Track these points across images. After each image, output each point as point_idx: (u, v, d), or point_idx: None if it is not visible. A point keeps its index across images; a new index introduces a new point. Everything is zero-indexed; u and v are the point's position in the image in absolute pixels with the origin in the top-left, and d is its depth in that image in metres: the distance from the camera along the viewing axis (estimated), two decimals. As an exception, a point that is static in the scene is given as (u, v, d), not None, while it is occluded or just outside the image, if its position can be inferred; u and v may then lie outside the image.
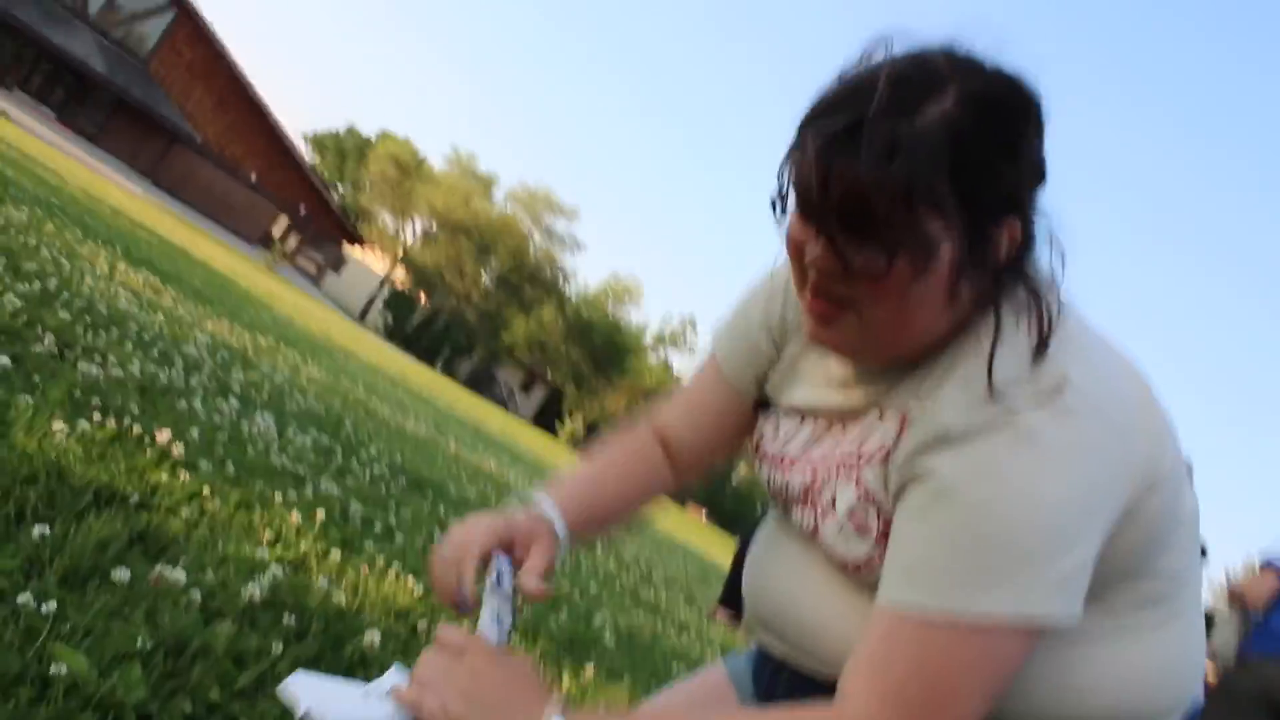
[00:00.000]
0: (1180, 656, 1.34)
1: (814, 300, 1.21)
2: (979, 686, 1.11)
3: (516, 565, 1.31)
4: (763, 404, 1.57)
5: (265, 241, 40.18)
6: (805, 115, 1.18)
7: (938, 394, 1.19)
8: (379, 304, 58.73)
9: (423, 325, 57.78)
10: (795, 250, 1.22)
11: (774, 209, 1.23)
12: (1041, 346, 1.15)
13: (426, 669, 1.16)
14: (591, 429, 57.79)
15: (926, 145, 1.08)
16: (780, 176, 1.21)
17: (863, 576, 1.28)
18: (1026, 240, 1.20)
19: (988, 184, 1.13)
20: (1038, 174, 1.19)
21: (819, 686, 1.34)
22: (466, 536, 1.30)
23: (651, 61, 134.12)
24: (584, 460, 1.60)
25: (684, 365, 66.48)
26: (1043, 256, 1.23)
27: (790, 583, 1.43)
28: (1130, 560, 1.22)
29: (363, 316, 54.66)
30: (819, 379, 1.44)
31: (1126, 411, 1.15)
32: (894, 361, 1.27)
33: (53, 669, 1.31)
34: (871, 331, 1.19)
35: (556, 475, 1.54)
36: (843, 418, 1.37)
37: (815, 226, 1.15)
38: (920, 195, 1.08)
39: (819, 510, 1.35)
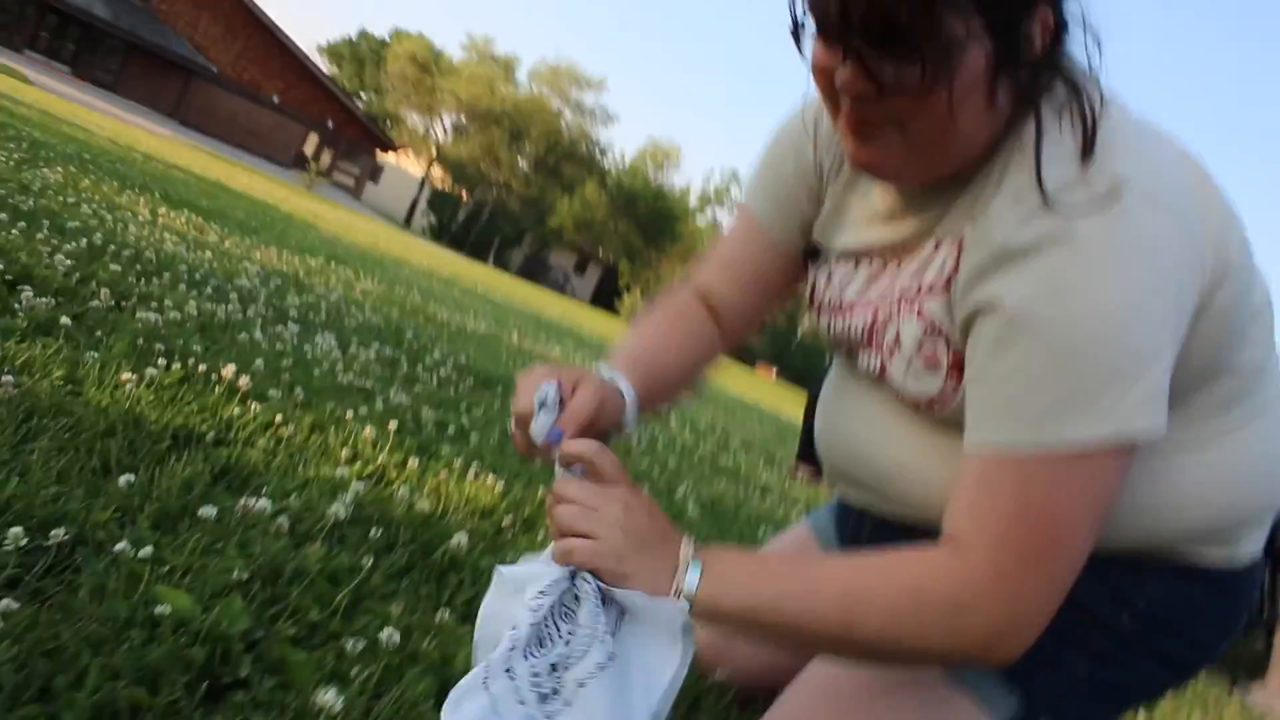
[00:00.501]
0: (1266, 455, 1.33)
1: (851, 122, 1.19)
2: (1086, 514, 1.11)
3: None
4: (811, 254, 1.55)
5: (299, 162, 40.23)
6: None
7: (989, 211, 1.17)
8: (421, 206, 58.78)
9: (468, 221, 57.84)
10: (824, 78, 1.19)
11: (794, 39, 1.20)
12: (1089, 145, 1.12)
13: (578, 518, 1.20)
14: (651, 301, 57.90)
15: None
16: (792, 3, 1.18)
17: (936, 413, 1.28)
18: (1059, 29, 1.18)
19: None
20: None
21: (902, 531, 1.35)
22: (521, 385, 1.32)
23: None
24: (632, 330, 1.59)
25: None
26: (1078, 46, 1.20)
27: (862, 428, 1.44)
28: (1208, 359, 1.20)
29: (407, 222, 54.84)
30: (866, 216, 1.42)
31: (1186, 203, 1.12)
32: (941, 177, 1.24)
33: (158, 610, 1.36)
34: (916, 144, 1.17)
35: (611, 349, 1.54)
36: (896, 252, 1.36)
37: (840, 48, 1.12)
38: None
39: (884, 349, 1.34)
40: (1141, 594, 1.32)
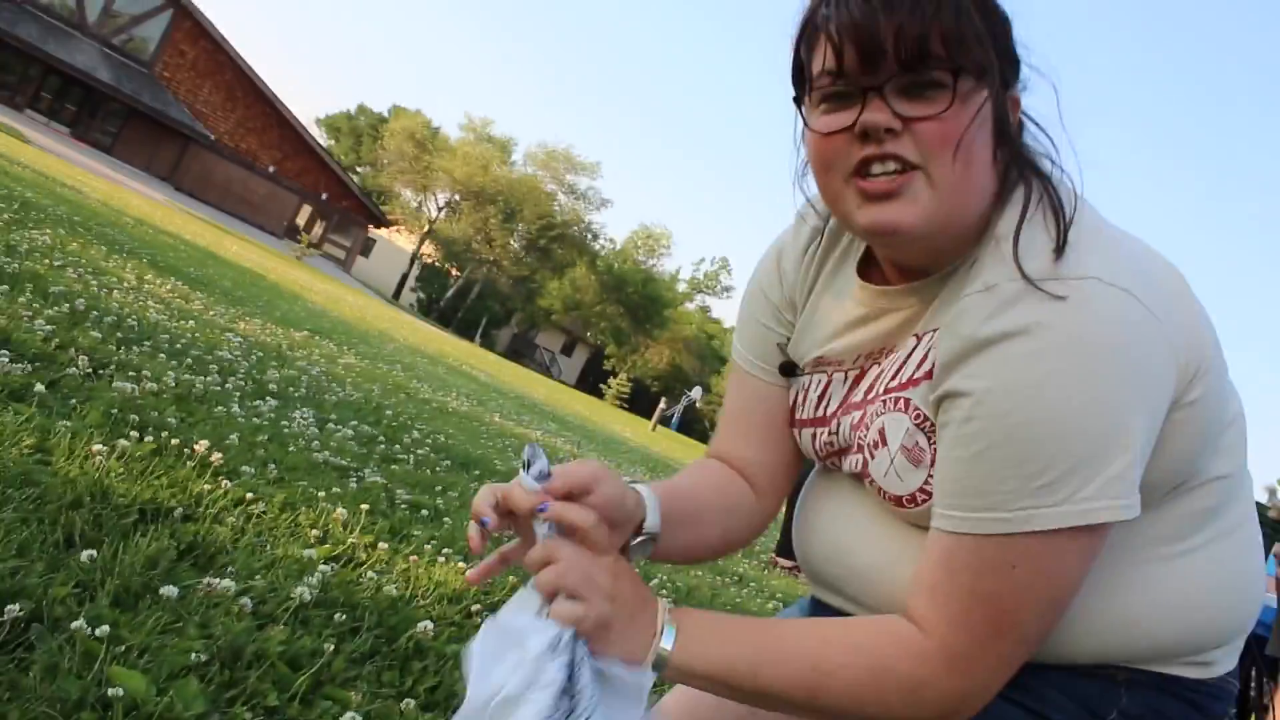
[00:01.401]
0: (1239, 573, 1.32)
1: (873, 182, 1.18)
2: (1044, 598, 1.11)
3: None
4: (787, 371, 1.55)
5: (291, 232, 40.41)
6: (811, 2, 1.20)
7: (960, 302, 1.18)
8: (411, 282, 58.97)
9: (457, 298, 58.02)
10: (832, 142, 1.20)
11: (799, 105, 1.23)
12: (1062, 240, 1.14)
13: (569, 577, 1.16)
14: (636, 386, 57.91)
15: None
16: (799, 70, 1.21)
17: (917, 509, 1.27)
18: (1021, 125, 1.23)
19: (1004, 33, 1.18)
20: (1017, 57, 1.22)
21: None
22: (481, 492, 1.28)
23: (654, 11, 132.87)
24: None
25: (721, 309, 66.37)
26: (1040, 149, 1.25)
27: (840, 532, 1.43)
28: (1184, 463, 1.20)
29: (396, 296, 54.98)
30: (843, 324, 1.43)
31: (1160, 299, 1.12)
32: (946, 244, 1.23)
33: (111, 691, 1.33)
34: (942, 190, 1.16)
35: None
36: (875, 355, 1.36)
37: (864, 84, 1.15)
38: (969, 25, 1.12)
39: (867, 448, 1.34)
40: (1113, 707, 1.30)
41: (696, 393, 38.29)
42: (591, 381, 61.02)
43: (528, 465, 1.24)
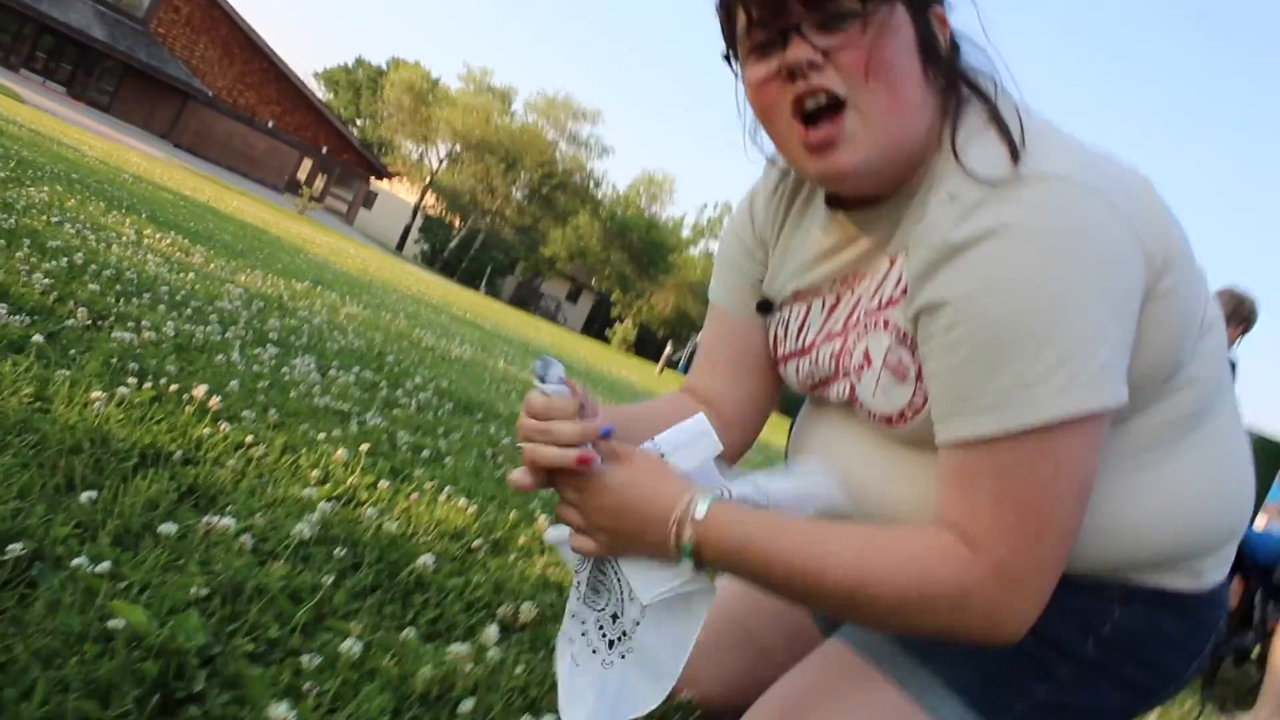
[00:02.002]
0: (1226, 477, 1.34)
1: (812, 131, 1.22)
2: (1067, 488, 1.13)
3: None
4: (764, 308, 1.57)
5: (292, 187, 40.28)
6: None
7: (926, 214, 1.20)
8: (414, 233, 58.84)
9: (460, 249, 57.90)
10: (767, 88, 1.24)
11: (729, 62, 1.26)
12: (1016, 145, 1.16)
13: (573, 518, 1.30)
14: (643, 331, 57.90)
15: None
16: (724, 27, 1.24)
17: (907, 427, 1.29)
18: (954, 44, 1.28)
19: None
20: None
21: None
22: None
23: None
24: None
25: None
26: (981, 66, 1.29)
27: (835, 461, 1.45)
28: (1162, 360, 1.22)
29: (399, 248, 54.89)
30: (814, 256, 1.45)
31: (1120, 193, 1.15)
32: (895, 171, 1.27)
33: (112, 624, 1.35)
34: (873, 121, 1.20)
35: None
36: (849, 280, 1.39)
37: (774, 31, 1.20)
38: None
39: (853, 372, 1.36)
40: (1106, 621, 1.33)
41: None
42: (598, 328, 61.02)
43: (543, 378, 1.29)
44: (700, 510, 1.21)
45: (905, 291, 1.26)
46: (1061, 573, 1.16)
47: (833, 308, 1.42)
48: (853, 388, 1.37)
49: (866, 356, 1.33)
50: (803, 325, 1.48)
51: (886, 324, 1.30)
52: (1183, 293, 1.21)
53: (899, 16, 1.18)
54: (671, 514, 1.22)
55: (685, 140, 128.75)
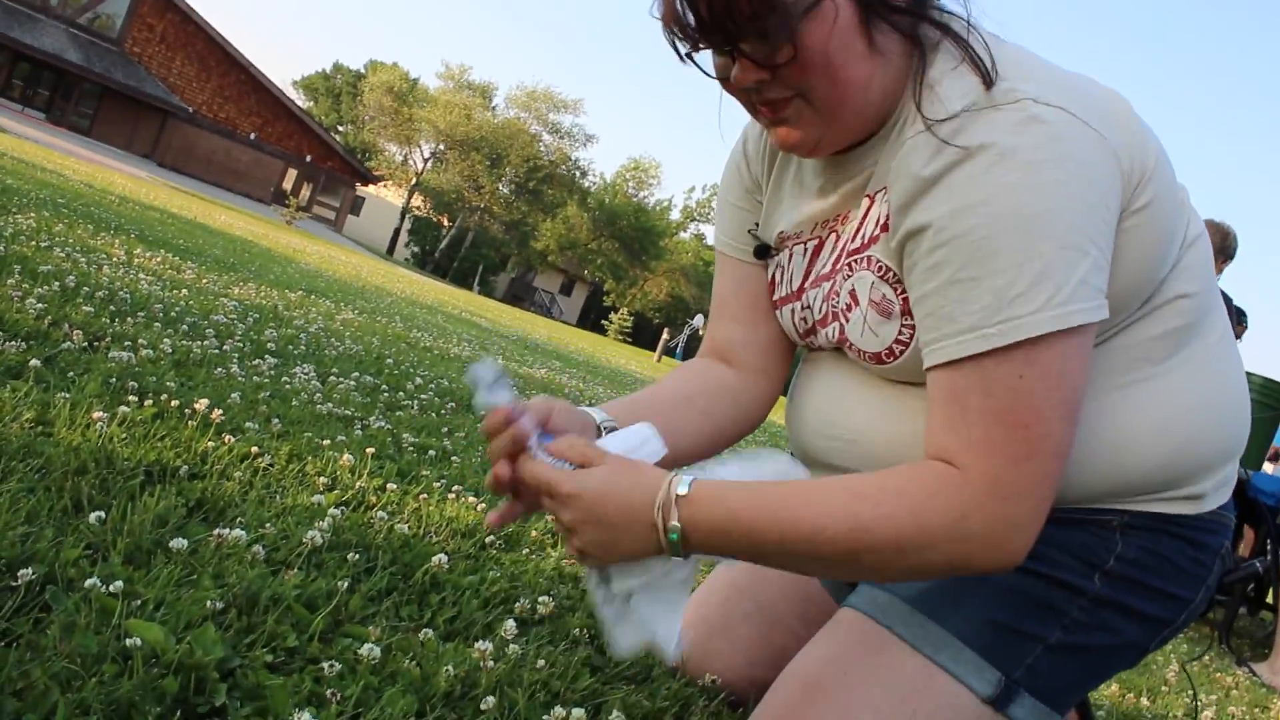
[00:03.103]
0: (1219, 392, 1.35)
1: (765, 110, 1.25)
2: (1057, 401, 1.13)
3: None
4: (761, 252, 1.57)
5: (278, 198, 40.23)
6: None
7: (903, 147, 1.21)
8: (404, 236, 58.80)
9: (451, 248, 57.91)
10: (727, 84, 1.28)
11: (687, 61, 1.28)
12: (988, 72, 1.18)
13: (559, 525, 1.26)
14: (639, 319, 57.91)
15: None
16: (669, 36, 1.26)
17: (896, 363, 1.30)
18: None
19: None
20: None
21: None
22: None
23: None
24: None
25: (716, 234, 66.08)
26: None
27: (827, 405, 1.46)
28: (1144, 274, 1.24)
29: (390, 252, 54.86)
30: (799, 199, 1.47)
31: (1095, 111, 1.17)
32: (857, 132, 1.30)
33: (129, 642, 1.34)
34: (823, 108, 1.23)
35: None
36: (832, 223, 1.40)
37: (716, 49, 1.23)
38: None
39: (841, 313, 1.36)
40: (1110, 554, 1.32)
41: (699, 320, 38.37)
42: (593, 319, 61.10)
43: (480, 385, 1.29)
44: (682, 487, 1.20)
45: (886, 228, 1.28)
46: (1056, 491, 1.16)
47: (818, 250, 1.44)
48: (842, 328, 1.38)
49: (853, 295, 1.34)
50: (791, 268, 1.49)
51: (869, 261, 1.31)
52: (1162, 207, 1.22)
53: (831, 8, 1.17)
54: (655, 498, 1.21)
55: (669, 122, 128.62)
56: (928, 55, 1.24)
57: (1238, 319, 5.72)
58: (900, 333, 1.27)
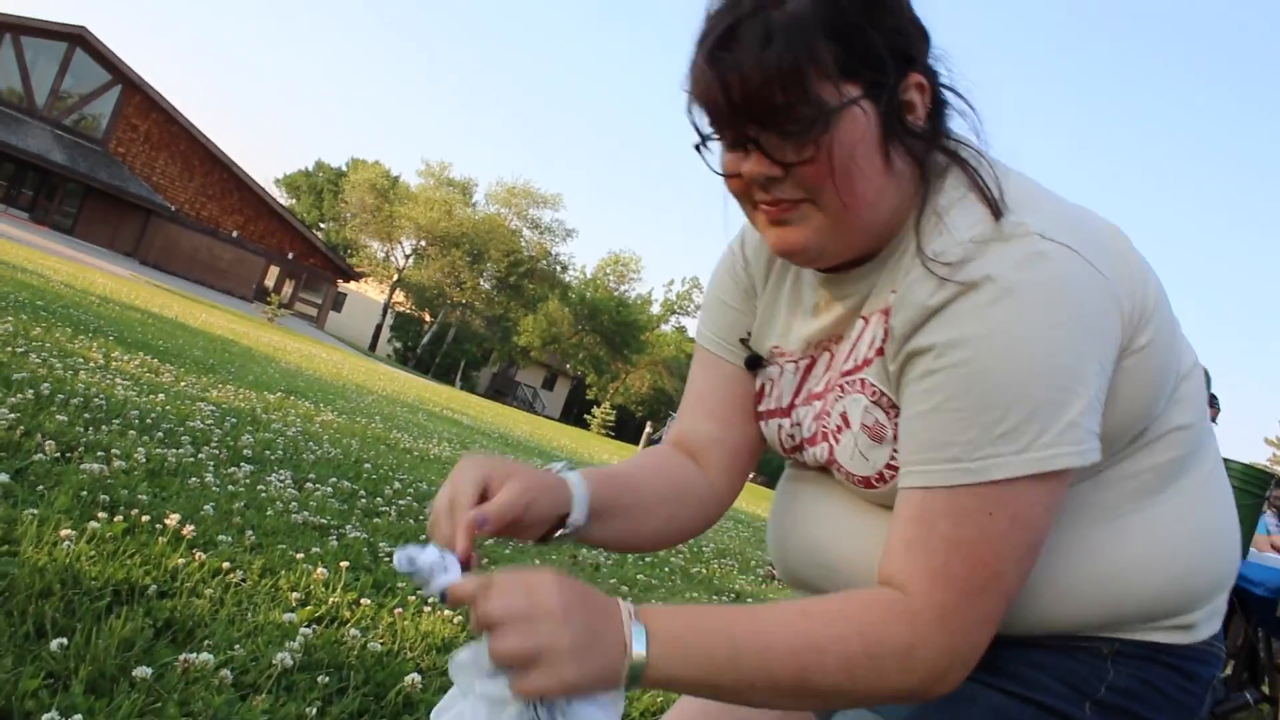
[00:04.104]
0: (1212, 524, 1.33)
1: (769, 209, 1.23)
2: (1019, 545, 1.12)
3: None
4: (752, 363, 1.56)
5: (261, 295, 40.30)
6: (693, 48, 1.21)
7: (909, 274, 1.20)
8: (385, 332, 58.88)
9: (433, 343, 57.96)
10: (734, 180, 1.25)
11: (699, 152, 1.26)
12: (997, 204, 1.17)
13: (514, 642, 1.03)
14: (621, 412, 57.89)
15: (798, 20, 1.12)
16: (691, 115, 1.24)
17: (886, 488, 1.28)
18: (938, 103, 1.25)
19: (870, 40, 1.16)
20: (920, 31, 1.23)
21: None
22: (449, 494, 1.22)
23: (601, 38, 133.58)
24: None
25: (697, 326, 66.45)
26: (965, 118, 1.27)
27: (813, 528, 1.43)
28: (1139, 411, 1.22)
29: (372, 348, 54.85)
30: (795, 316, 1.45)
31: (1099, 250, 1.16)
32: (859, 257, 1.28)
33: (88, 784, 1.30)
34: (831, 216, 1.21)
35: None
36: (827, 343, 1.39)
37: (735, 139, 1.19)
38: (809, 66, 1.12)
39: (831, 435, 1.34)
40: (1101, 683, 1.30)
41: (681, 414, 38.24)
42: (576, 413, 61.05)
43: (424, 574, 1.11)
44: (629, 604, 1.15)
45: (881, 351, 1.26)
46: (996, 630, 1.14)
47: (809, 368, 1.42)
48: (831, 449, 1.36)
49: (844, 418, 1.32)
50: (782, 384, 1.47)
51: (863, 384, 1.30)
52: (1160, 345, 1.22)
53: (862, 116, 1.17)
54: (620, 605, 1.14)
55: (646, 215, 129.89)
56: (935, 182, 1.25)
57: (1211, 402, 5.75)
58: (891, 457, 1.26)
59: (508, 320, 60.07)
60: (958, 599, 1.12)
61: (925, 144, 1.24)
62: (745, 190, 1.25)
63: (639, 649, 1.12)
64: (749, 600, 5.25)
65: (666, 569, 5.35)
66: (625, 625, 1.13)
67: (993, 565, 1.12)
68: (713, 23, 1.17)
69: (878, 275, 1.30)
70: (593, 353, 60.96)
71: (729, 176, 1.26)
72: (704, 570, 5.85)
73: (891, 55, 1.18)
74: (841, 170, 1.17)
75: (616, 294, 63.66)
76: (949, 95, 1.27)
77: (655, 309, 67.15)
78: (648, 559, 5.39)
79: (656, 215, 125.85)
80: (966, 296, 1.13)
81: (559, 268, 62.98)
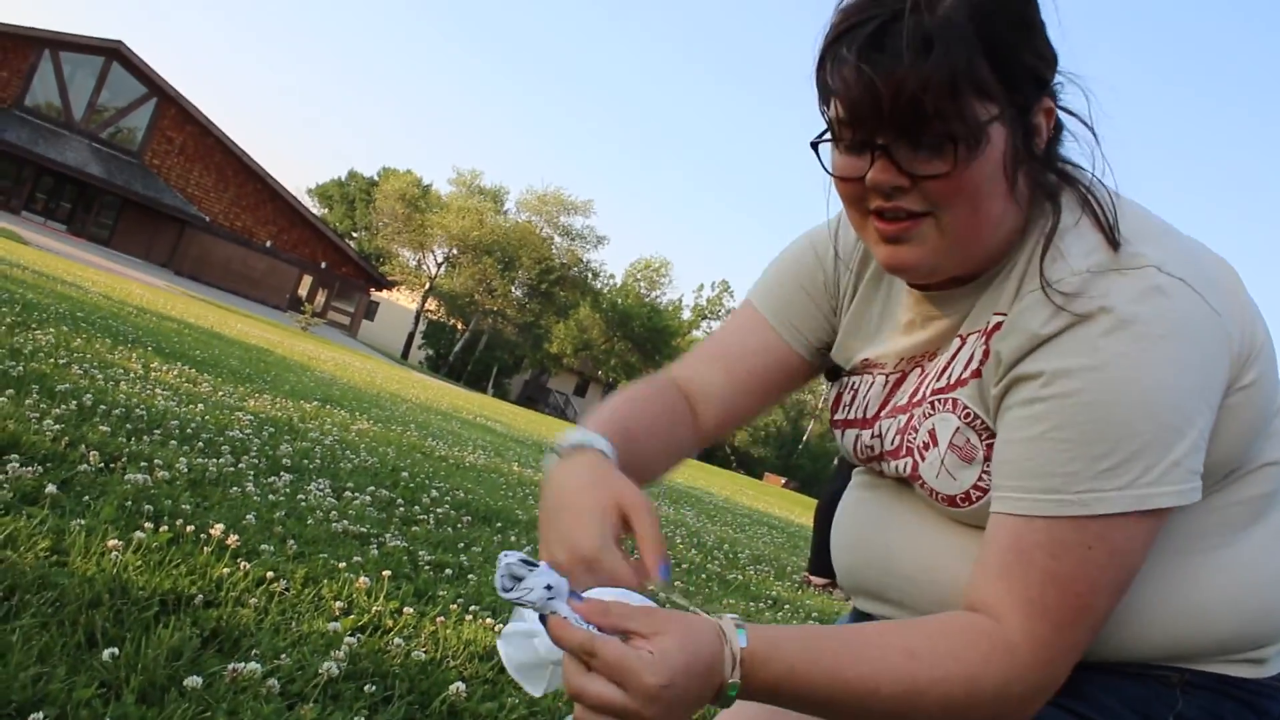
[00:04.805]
0: None
1: (886, 226, 1.21)
2: (1115, 579, 1.12)
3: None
4: (831, 373, 1.55)
5: (294, 304, 40.59)
6: (828, 37, 1.18)
7: (1019, 303, 1.19)
8: (418, 340, 59.12)
9: (465, 351, 58.15)
10: (850, 185, 1.21)
11: (816, 150, 1.23)
12: (1113, 234, 1.15)
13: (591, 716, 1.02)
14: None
15: (957, 30, 1.09)
16: (823, 109, 1.20)
17: (972, 508, 1.26)
18: (1058, 126, 1.23)
19: (1020, 60, 1.15)
20: (1054, 55, 1.20)
21: None
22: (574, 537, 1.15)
23: (628, 43, 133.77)
24: (609, 400, 1.51)
25: (728, 334, 66.24)
26: (1082, 142, 1.25)
27: (885, 537, 1.41)
28: (1241, 448, 1.21)
29: (405, 356, 55.07)
30: (887, 330, 1.43)
31: (1213, 287, 1.15)
32: (969, 269, 1.26)
33: (143, 793, 1.31)
34: (950, 235, 1.19)
35: (589, 416, 1.42)
36: (918, 359, 1.37)
37: (870, 142, 1.15)
38: (965, 80, 1.10)
39: (916, 450, 1.33)
40: (1170, 711, 1.28)
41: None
42: (608, 420, 60.96)
43: (511, 589, 1.04)
44: (740, 638, 1.12)
45: (978, 373, 1.24)
46: (1078, 660, 1.14)
47: (899, 382, 1.40)
48: (915, 465, 1.34)
49: (932, 435, 1.30)
50: (868, 396, 1.45)
51: (954, 404, 1.28)
52: (1263, 385, 1.21)
53: (995, 136, 1.14)
54: (723, 661, 1.11)
55: (675, 219, 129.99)
56: (1057, 205, 1.22)
57: None
58: (981, 479, 1.24)
59: (539, 327, 60.18)
60: (1051, 632, 1.11)
61: (1044, 169, 1.22)
62: (860, 196, 1.21)
63: (730, 696, 1.10)
64: (785, 606, 5.24)
65: (703, 575, 5.35)
66: (720, 690, 1.11)
67: (1087, 598, 1.11)
68: (858, 16, 1.13)
69: (980, 295, 1.28)
70: (624, 359, 60.97)
71: (845, 180, 1.23)
72: (740, 576, 5.84)
73: (1034, 78, 1.16)
74: (970, 189, 1.15)
75: (648, 300, 63.64)
76: (1069, 120, 1.24)
77: (686, 314, 67.11)
78: (683, 566, 5.38)
79: (685, 218, 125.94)
80: (1081, 326, 1.12)
81: (590, 275, 63.02)
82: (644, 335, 61.08)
